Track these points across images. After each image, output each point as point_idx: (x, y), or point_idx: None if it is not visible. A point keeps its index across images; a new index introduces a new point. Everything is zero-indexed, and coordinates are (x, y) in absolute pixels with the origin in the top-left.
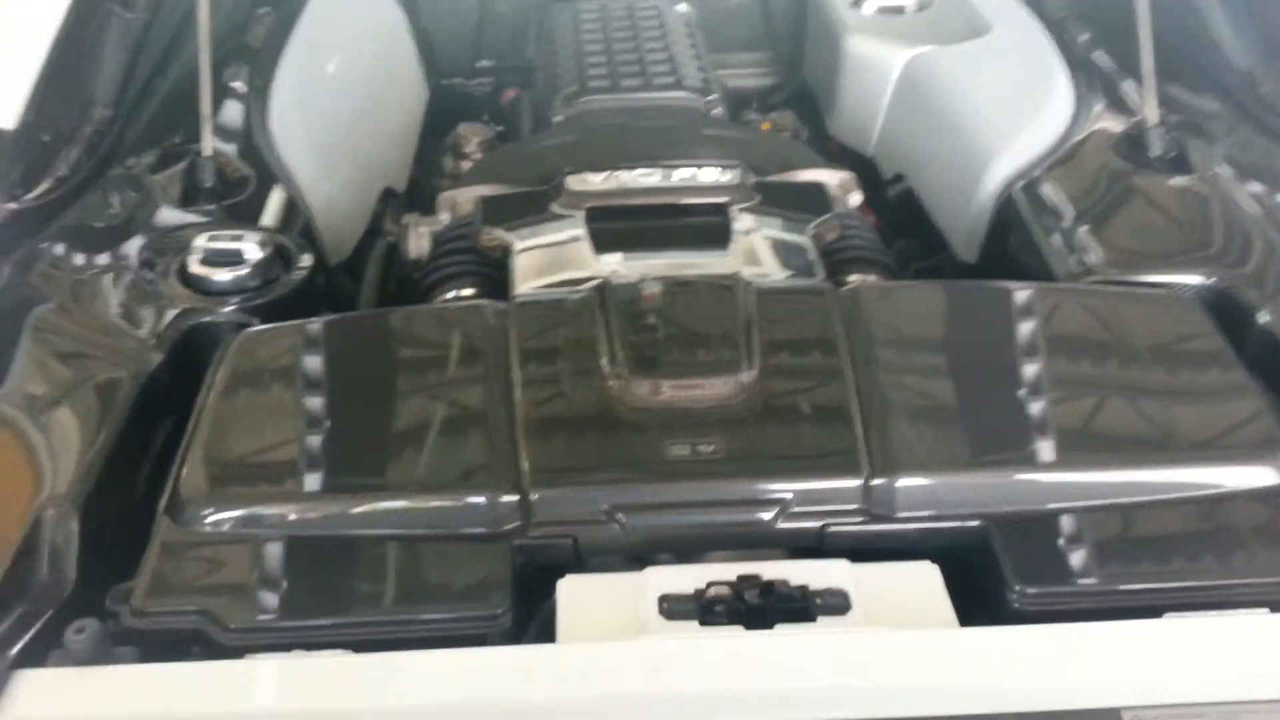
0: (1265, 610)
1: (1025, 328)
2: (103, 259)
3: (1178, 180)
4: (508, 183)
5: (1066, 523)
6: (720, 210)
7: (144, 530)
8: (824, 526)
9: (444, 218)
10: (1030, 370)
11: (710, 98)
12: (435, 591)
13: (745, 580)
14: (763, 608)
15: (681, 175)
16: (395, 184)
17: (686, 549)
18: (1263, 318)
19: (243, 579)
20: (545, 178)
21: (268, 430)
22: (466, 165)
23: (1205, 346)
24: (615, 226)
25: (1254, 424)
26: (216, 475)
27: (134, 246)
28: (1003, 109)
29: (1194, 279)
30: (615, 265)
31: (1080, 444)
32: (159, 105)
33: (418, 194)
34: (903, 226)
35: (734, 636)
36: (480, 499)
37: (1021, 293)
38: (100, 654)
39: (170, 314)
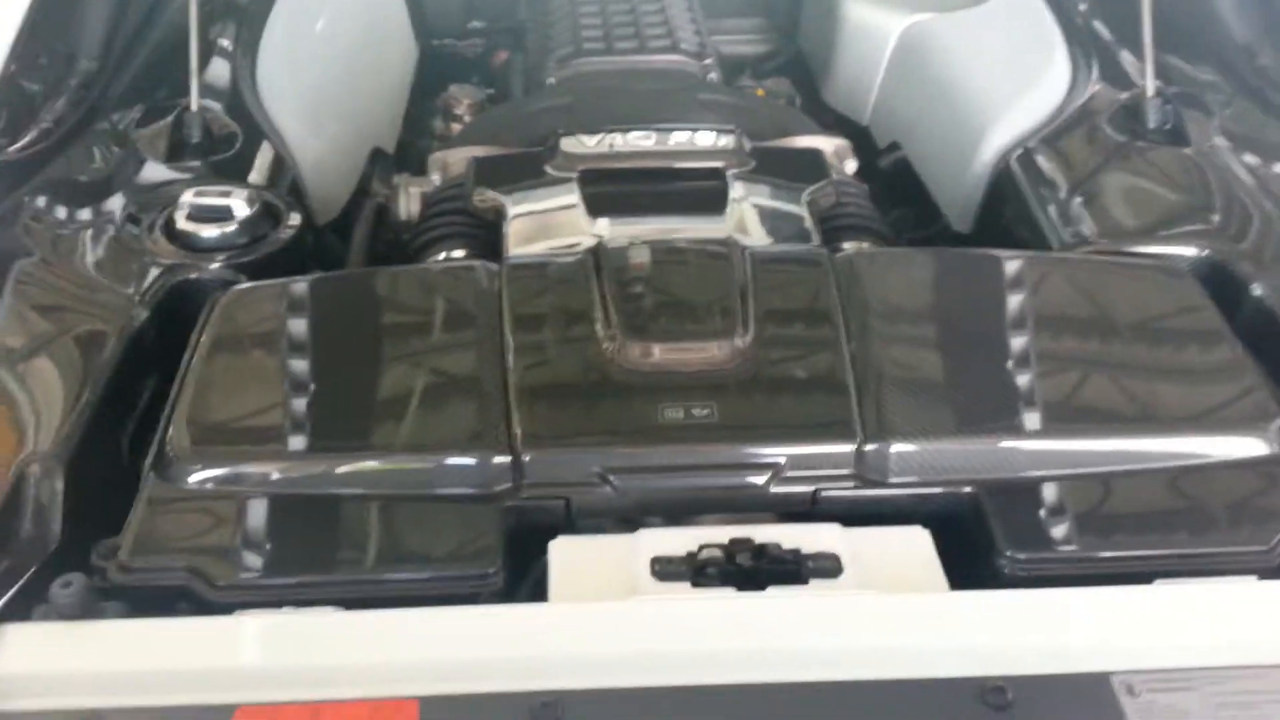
0: (1253, 577)
1: (1019, 297)
2: (88, 213)
3: (1174, 152)
4: (500, 144)
5: (1057, 490)
6: (716, 175)
7: (130, 487)
8: (816, 491)
9: (435, 179)
10: (1023, 339)
11: (706, 61)
12: (426, 551)
13: (737, 543)
14: (754, 570)
15: (677, 139)
16: (384, 144)
17: (679, 512)
18: (1257, 289)
19: (231, 536)
20: (539, 140)
21: (256, 388)
22: (456, 127)
23: (1198, 318)
24: (609, 189)
25: (1244, 395)
26: (204, 432)
27: (119, 201)
28: (1000, 78)
29: (1189, 250)
30: (609, 228)
31: (1072, 412)
32: (146, 59)
33: (407, 155)
34: (897, 196)
35: (726, 598)
36: (472, 460)
37: (1015, 262)
38: (86, 609)
39: (156, 270)
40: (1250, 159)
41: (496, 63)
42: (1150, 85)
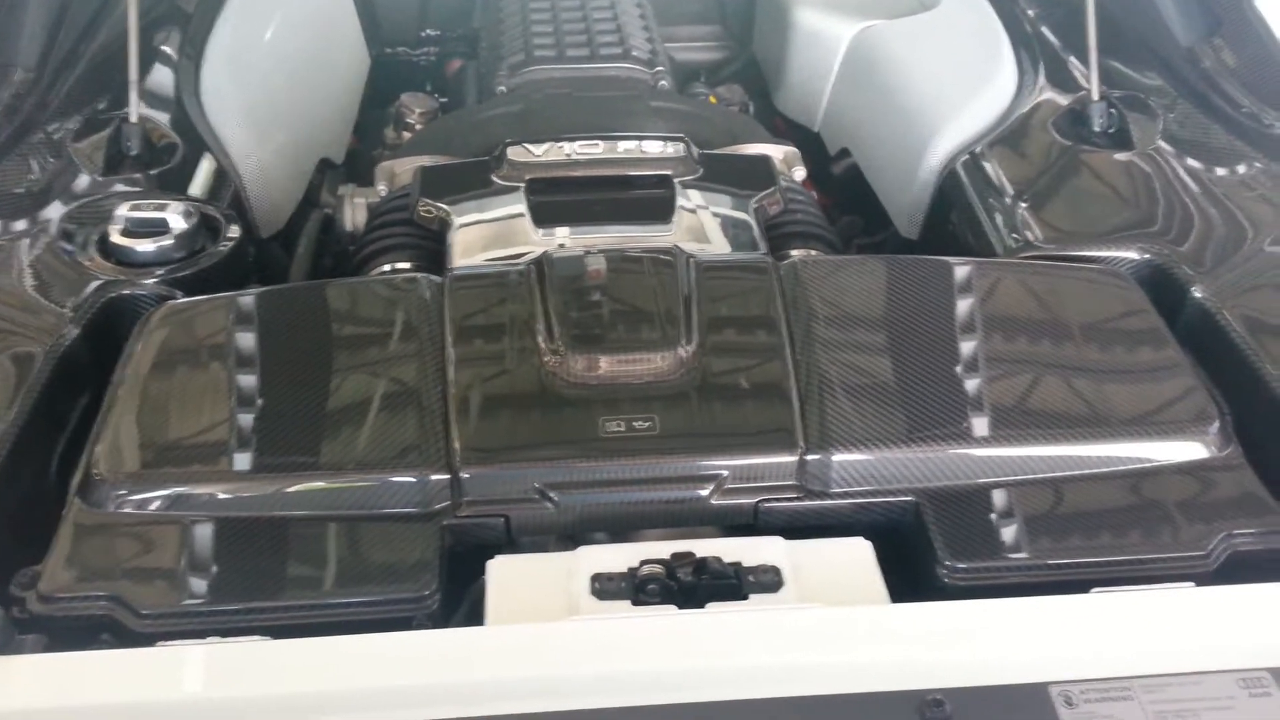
0: (1190, 584)
1: (962, 303)
2: (20, 228)
3: (1118, 156)
4: (448, 153)
5: (997, 497)
6: (663, 183)
7: (56, 512)
8: (759, 503)
9: (381, 189)
10: (966, 346)
11: (657, 70)
12: (360, 573)
13: (678, 558)
14: (695, 586)
15: (625, 148)
16: (333, 154)
17: (621, 527)
18: (1197, 293)
19: (157, 562)
20: (487, 148)
21: (186, 407)
22: (408, 136)
23: (1139, 322)
24: (556, 199)
25: (1184, 399)
26: (131, 454)
27: (53, 216)
28: (947, 84)
29: (1131, 254)
30: (555, 238)
31: (1013, 419)
32: (85, 69)
33: (359, 165)
34: (848, 202)
35: (665, 616)
36: (409, 478)
37: (959, 268)
38: (4, 642)
39: (89, 286)
40: (1193, 162)
41: (450, 71)
42: (1095, 89)
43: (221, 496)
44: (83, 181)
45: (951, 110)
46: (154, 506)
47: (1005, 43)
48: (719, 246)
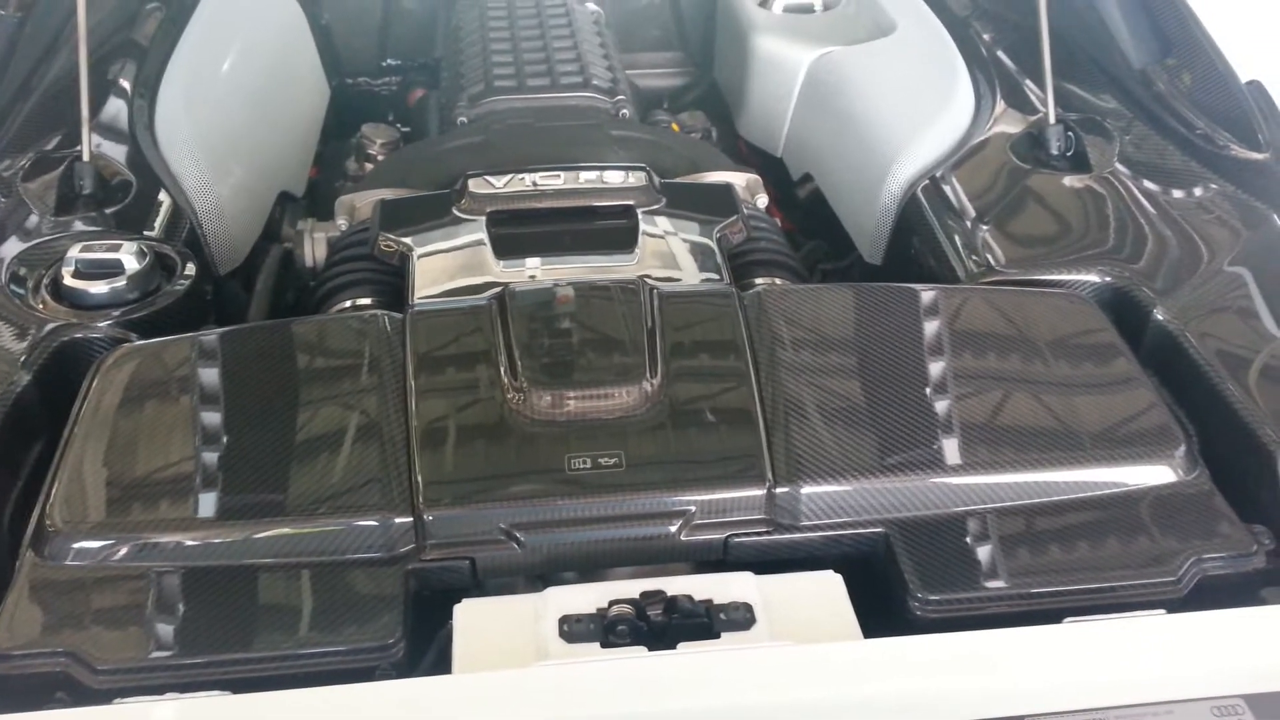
0: (1162, 611)
1: (926, 330)
2: None
3: (1076, 179)
4: (409, 186)
5: (967, 527)
6: (625, 213)
7: (9, 565)
8: (728, 538)
9: (341, 223)
10: (931, 373)
11: (618, 98)
12: (322, 622)
13: (648, 597)
14: (665, 625)
15: (586, 178)
16: (293, 187)
17: (589, 566)
18: (1159, 315)
19: (113, 616)
20: (448, 181)
21: (141, 454)
22: (370, 167)
23: (1103, 346)
24: (518, 231)
25: (1149, 423)
26: (85, 504)
27: (3, 258)
28: (906, 109)
29: (1092, 278)
30: (516, 271)
31: (981, 447)
32: (35, 107)
33: (320, 197)
34: (812, 227)
35: (636, 658)
36: (372, 522)
37: (921, 295)
38: None
39: (41, 330)
40: (1149, 185)
41: (412, 100)
42: (1051, 113)
43: (180, 546)
44: (34, 222)
45: (910, 135)
46: (109, 558)
47: (962, 67)
48: (682, 276)
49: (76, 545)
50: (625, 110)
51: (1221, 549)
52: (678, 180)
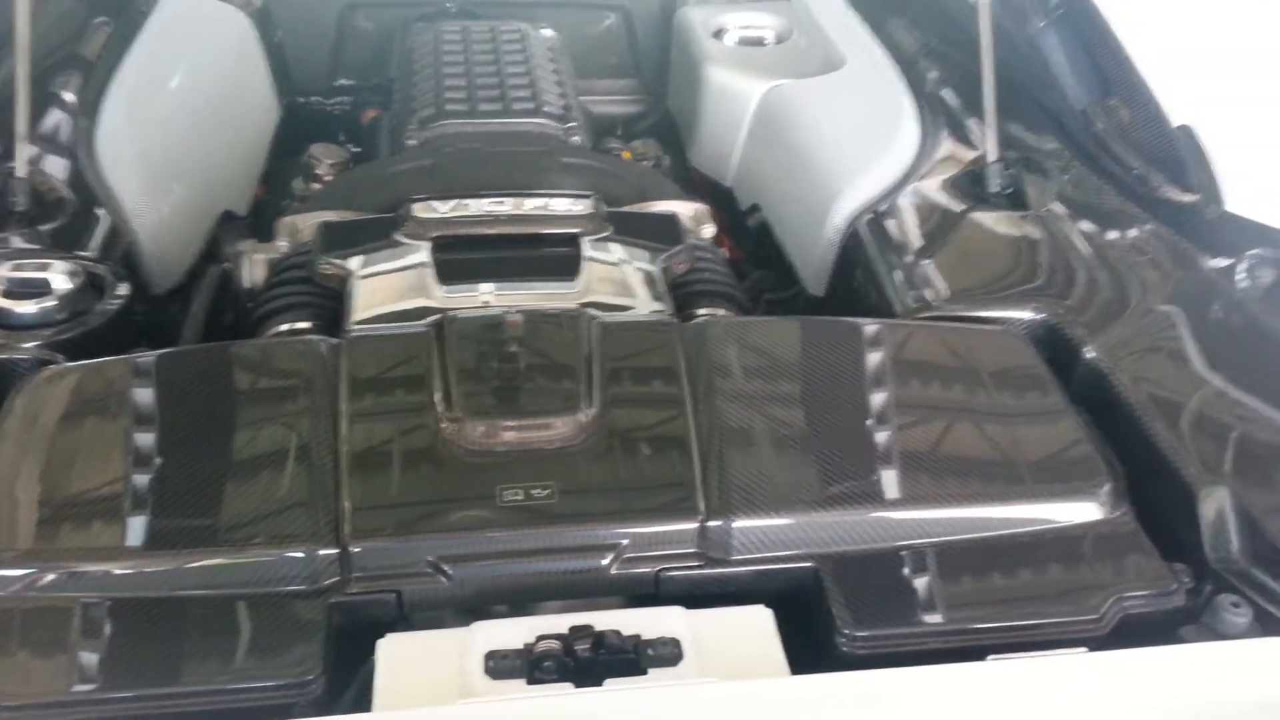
0: (1084, 649)
1: (862, 365)
2: None
3: (1013, 217)
4: (354, 208)
5: (895, 562)
6: (570, 241)
7: None
8: (659, 572)
9: (282, 244)
10: (865, 408)
11: (570, 125)
12: (242, 657)
13: (576, 632)
14: (592, 661)
15: (532, 205)
16: (236, 206)
17: (519, 600)
18: (1089, 353)
19: (20, 650)
20: (393, 204)
21: (64, 481)
22: (317, 187)
23: (1034, 383)
24: (460, 256)
25: (1078, 461)
26: (2, 532)
27: None
28: (852, 143)
29: (1026, 314)
30: (459, 297)
31: (912, 482)
32: None
33: (267, 215)
34: (760, 257)
35: (561, 695)
36: (297, 553)
37: (857, 330)
38: None
39: None
40: (1085, 224)
41: (365, 121)
42: (992, 151)
43: (98, 576)
44: None
45: (855, 169)
46: (18, 587)
47: (908, 104)
48: (625, 306)
49: None
50: (576, 137)
51: (1143, 587)
52: (624, 209)
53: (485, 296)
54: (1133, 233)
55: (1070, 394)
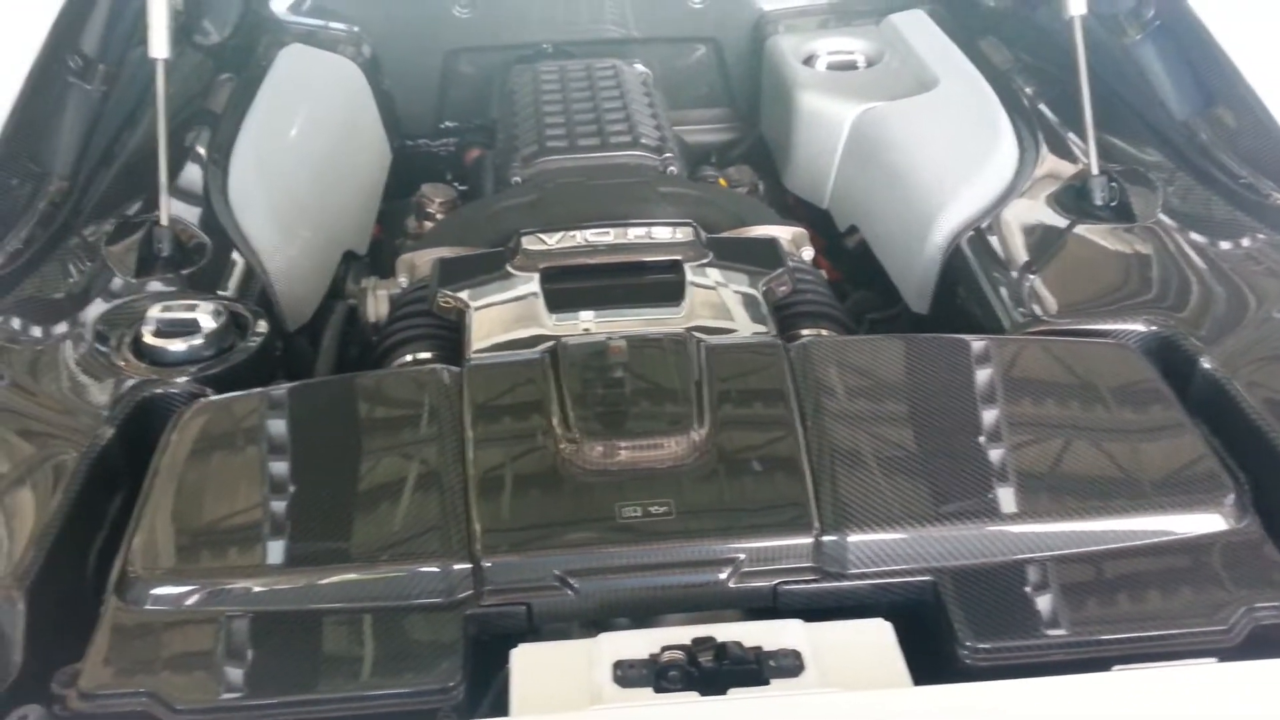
0: (1213, 660)
1: (972, 380)
2: (57, 332)
3: (1120, 229)
4: (466, 244)
5: (1015, 575)
6: (673, 268)
7: (94, 609)
8: (777, 585)
9: (402, 280)
10: (978, 422)
11: (666, 155)
12: (386, 665)
13: (699, 643)
14: (716, 671)
15: (635, 234)
16: (356, 246)
17: (641, 612)
18: (1205, 363)
19: (191, 658)
20: (503, 238)
21: (217, 503)
22: (430, 225)
23: (1150, 395)
24: (569, 286)
25: (1198, 471)
26: (165, 551)
27: (89, 319)
28: (950, 161)
29: (1138, 327)
30: (569, 324)
31: (1028, 495)
32: (117, 174)
33: (382, 254)
34: (859, 277)
35: (688, 703)
36: (432, 568)
37: (968, 345)
38: None
39: (123, 386)
40: (1195, 235)
41: (469, 160)
42: (1094, 164)
43: (252, 591)
44: (116, 284)
45: (954, 187)
46: (187, 602)
47: (1004, 120)
48: (729, 329)
49: (156, 590)
50: (673, 167)
51: (1275, 599)
52: (724, 235)
53: (593, 323)
54: (1245, 241)
55: (1187, 406)
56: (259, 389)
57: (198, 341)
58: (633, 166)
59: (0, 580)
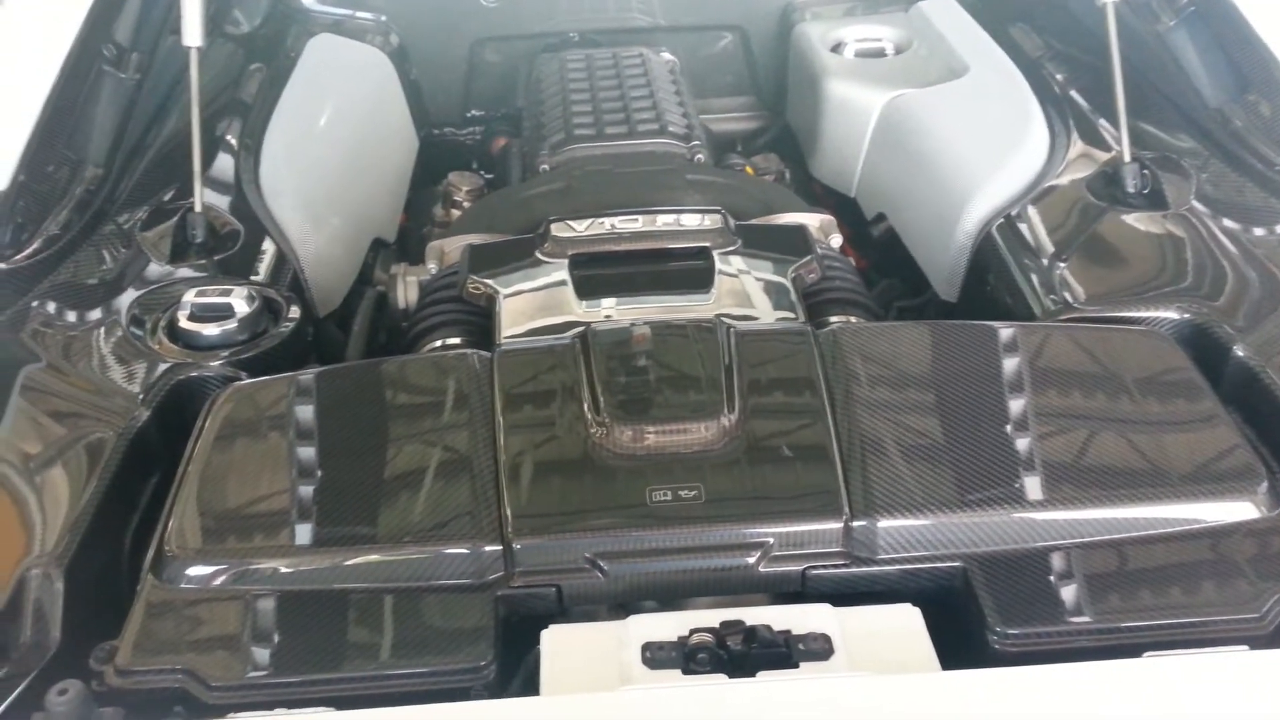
0: (1244, 647)
1: (1002, 367)
2: (93, 316)
3: (1153, 216)
4: (495, 230)
5: (1046, 561)
6: (702, 254)
7: (131, 588)
8: (806, 570)
9: (431, 267)
10: (1008, 409)
11: (693, 143)
12: (419, 645)
13: (728, 626)
14: (745, 654)
15: (664, 221)
16: (385, 234)
17: (670, 595)
18: (1239, 351)
19: (226, 636)
20: (531, 225)
21: (252, 485)
22: (457, 213)
23: (1183, 382)
24: (598, 272)
25: (1231, 459)
26: (200, 531)
27: (124, 303)
28: (980, 149)
29: (1170, 314)
30: (598, 310)
31: (1059, 482)
32: (151, 162)
33: (410, 242)
34: (887, 266)
35: (716, 685)
36: (463, 550)
37: (998, 332)
38: (83, 715)
39: (158, 369)
40: (1228, 222)
41: (495, 149)
42: (1126, 151)
43: (286, 571)
44: (151, 269)
45: (985, 174)
46: (222, 581)
47: (1035, 107)
48: (758, 315)
49: (192, 570)
50: (700, 155)
51: None
52: (752, 222)
53: (622, 310)
54: (1278, 229)
55: (1219, 394)
56: (292, 373)
57: (231, 326)
58: (660, 154)
59: (39, 559)
